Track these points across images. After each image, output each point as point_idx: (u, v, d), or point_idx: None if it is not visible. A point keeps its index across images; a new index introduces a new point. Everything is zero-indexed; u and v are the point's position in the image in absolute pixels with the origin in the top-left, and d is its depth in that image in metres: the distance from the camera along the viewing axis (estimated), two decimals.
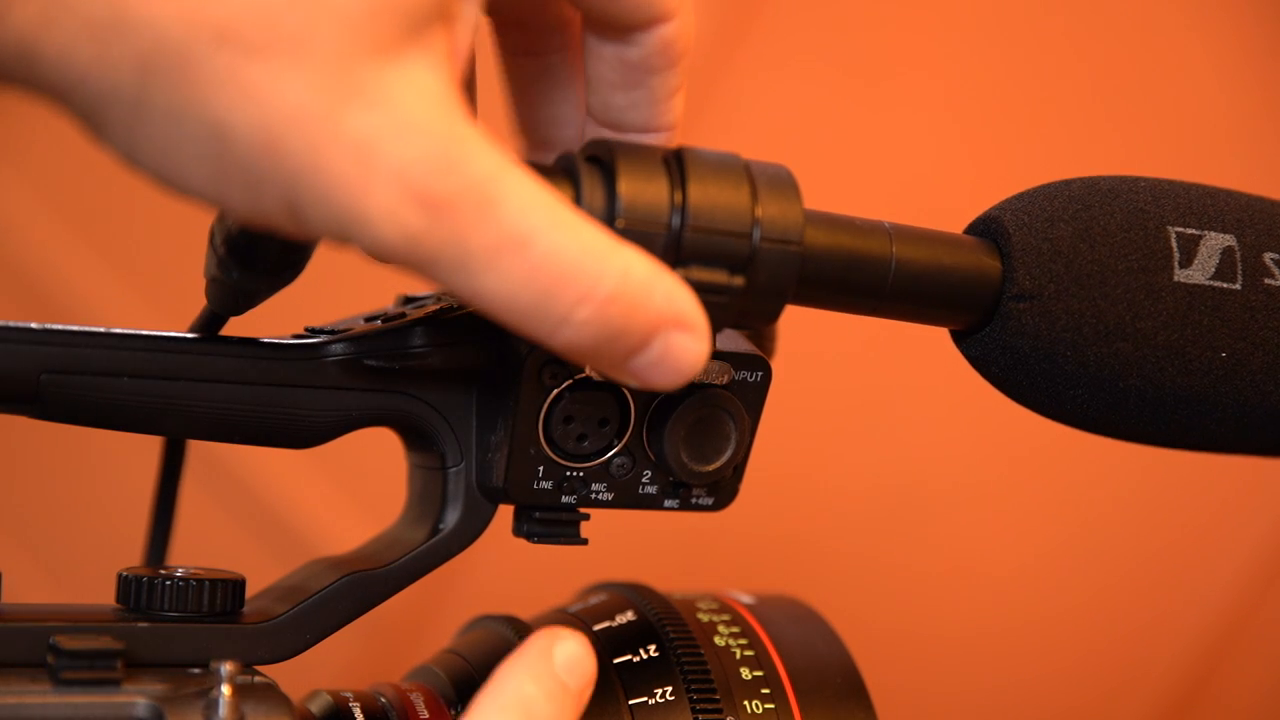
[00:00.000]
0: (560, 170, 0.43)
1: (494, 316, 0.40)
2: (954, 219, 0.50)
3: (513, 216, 0.38)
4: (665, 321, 0.41)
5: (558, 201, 0.39)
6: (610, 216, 0.42)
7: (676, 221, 0.43)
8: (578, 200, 0.42)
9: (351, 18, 0.37)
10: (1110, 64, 1.07)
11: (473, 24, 0.41)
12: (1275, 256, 0.48)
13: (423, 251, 0.38)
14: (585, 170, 0.43)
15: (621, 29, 0.44)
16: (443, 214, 0.38)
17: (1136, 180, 0.49)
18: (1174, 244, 0.47)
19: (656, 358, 0.41)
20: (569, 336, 0.40)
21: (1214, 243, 0.48)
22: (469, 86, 0.44)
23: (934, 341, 0.50)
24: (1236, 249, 0.48)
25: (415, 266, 0.39)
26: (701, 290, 0.43)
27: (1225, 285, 0.47)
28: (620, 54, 0.45)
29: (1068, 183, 0.48)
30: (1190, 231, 0.48)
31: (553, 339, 0.40)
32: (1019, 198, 0.48)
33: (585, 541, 0.49)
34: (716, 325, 0.46)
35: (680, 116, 0.46)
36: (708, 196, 0.43)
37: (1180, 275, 0.47)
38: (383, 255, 0.39)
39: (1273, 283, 0.48)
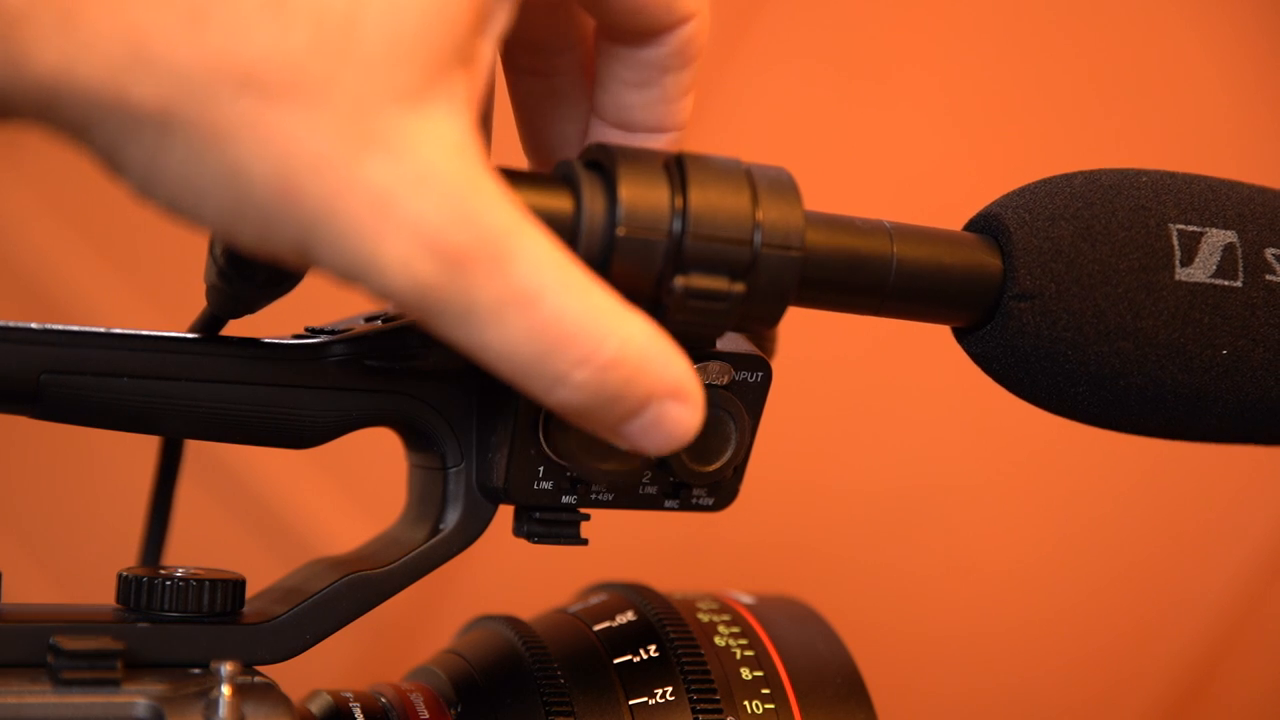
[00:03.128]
0: (560, 177, 0.43)
1: (492, 369, 0.40)
2: (954, 215, 0.50)
3: (524, 273, 0.38)
4: (661, 391, 0.41)
5: (569, 261, 0.40)
6: (611, 223, 0.42)
7: (678, 227, 0.43)
8: (578, 207, 0.42)
9: (374, 65, 0.37)
10: (1110, 61, 1.07)
11: (490, 63, 0.41)
12: (1276, 252, 0.48)
13: (431, 301, 0.38)
14: (585, 177, 0.43)
15: (643, 33, 0.44)
16: (455, 266, 0.38)
17: (1138, 174, 0.48)
18: (1175, 242, 0.47)
19: (649, 424, 0.41)
20: (564, 396, 0.40)
21: (1215, 240, 0.48)
22: (486, 121, 0.44)
23: (934, 341, 0.50)
24: (1238, 245, 0.48)
25: (420, 314, 0.39)
26: (702, 297, 0.43)
27: (1226, 283, 0.47)
28: (636, 54, 0.44)
29: (1069, 178, 0.48)
30: (1191, 229, 0.48)
31: (548, 396, 0.40)
32: (1019, 193, 0.48)
33: (585, 542, 0.49)
34: (717, 330, 0.46)
35: (689, 117, 0.46)
36: (709, 202, 0.43)
37: (1181, 274, 0.47)
38: (390, 299, 0.39)
39: (1273, 279, 0.48)
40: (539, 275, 0.39)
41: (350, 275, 0.38)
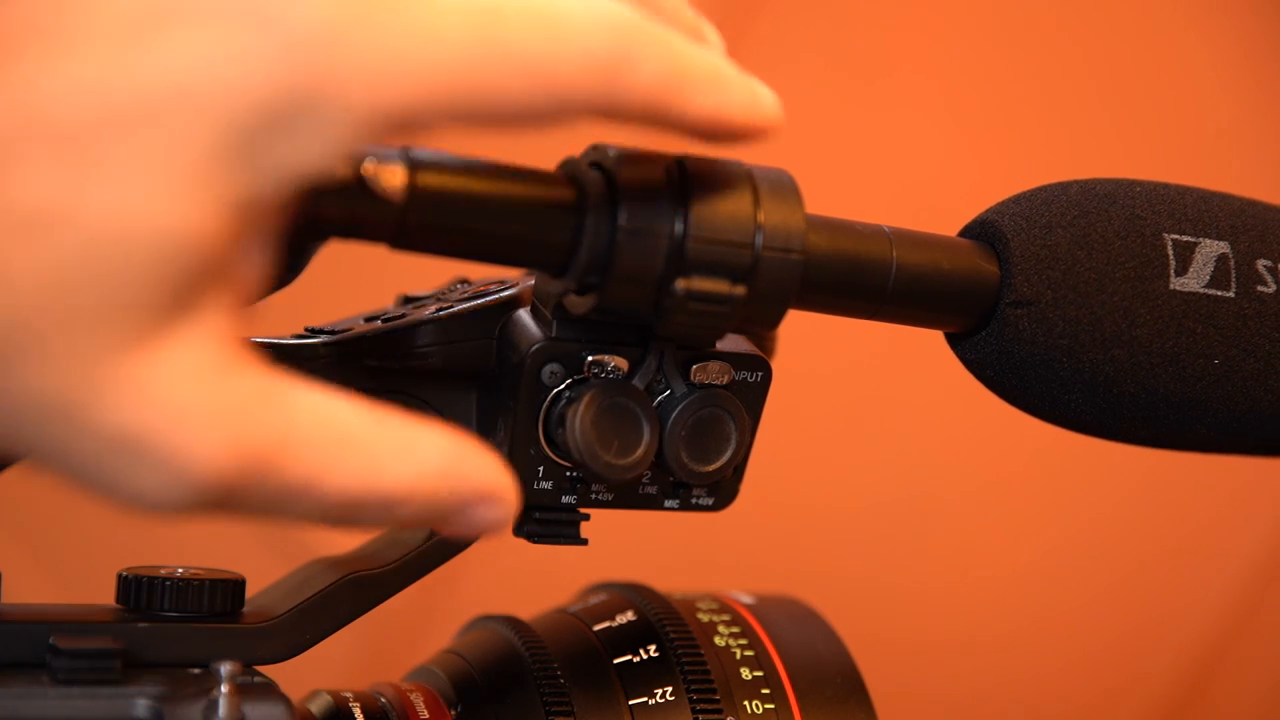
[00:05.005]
0: (564, 177, 0.43)
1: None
2: (950, 217, 0.50)
3: (296, 469, 0.37)
4: (465, 502, 0.40)
5: (347, 418, 0.39)
6: (613, 224, 0.42)
7: (679, 230, 0.43)
8: (581, 206, 0.42)
9: (95, 322, 0.35)
10: (1109, 64, 1.07)
11: (264, 249, 0.38)
12: (1267, 263, 0.49)
13: (210, 512, 0.37)
14: (589, 177, 0.43)
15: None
16: (220, 491, 0.37)
17: (1133, 184, 0.49)
18: (1170, 251, 0.48)
19: (462, 526, 0.41)
20: (367, 527, 0.41)
21: (1209, 250, 0.48)
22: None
23: (934, 343, 0.50)
24: (1230, 256, 0.48)
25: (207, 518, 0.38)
26: (703, 299, 0.43)
27: (1219, 293, 0.48)
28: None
29: (1064, 186, 0.49)
30: (1186, 239, 0.48)
31: (352, 530, 0.41)
32: (1016, 201, 0.48)
33: (585, 541, 0.49)
34: (718, 333, 0.46)
35: None
36: (710, 205, 0.43)
37: (1176, 283, 0.48)
38: (165, 519, 0.38)
39: (1265, 289, 0.48)
40: (313, 460, 0.38)
41: (113, 501, 0.37)
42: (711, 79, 0.41)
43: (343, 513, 0.39)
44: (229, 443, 0.36)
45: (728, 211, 0.43)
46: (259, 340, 0.47)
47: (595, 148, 0.44)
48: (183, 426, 0.36)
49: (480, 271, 0.46)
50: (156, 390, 0.36)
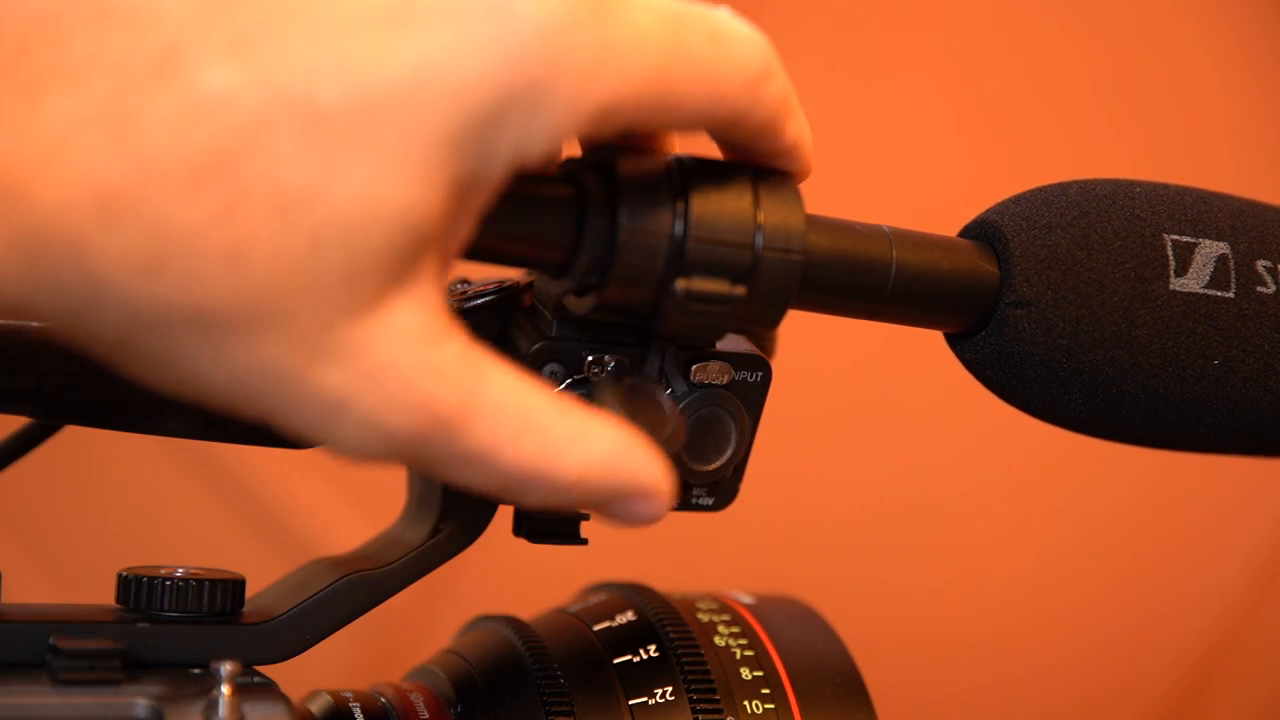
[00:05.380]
0: (565, 177, 0.43)
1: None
2: (952, 219, 0.50)
3: (478, 436, 0.40)
4: (625, 496, 0.42)
5: (530, 401, 0.41)
6: (613, 225, 0.42)
7: (679, 230, 0.43)
8: (582, 206, 0.42)
9: (327, 298, 0.37)
10: (1109, 64, 1.07)
11: (468, 225, 0.40)
12: (1267, 264, 0.49)
13: (395, 462, 0.40)
14: (589, 179, 0.43)
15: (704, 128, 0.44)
16: (408, 445, 0.39)
17: (1132, 185, 0.49)
18: (1170, 252, 0.48)
19: (615, 516, 0.43)
20: (532, 504, 0.42)
21: (1209, 251, 0.48)
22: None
23: (935, 343, 0.51)
24: (1230, 257, 0.48)
25: (381, 465, 0.41)
26: (703, 300, 0.43)
27: (1219, 294, 0.48)
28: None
29: (1064, 187, 0.49)
30: (1186, 239, 0.48)
31: (518, 504, 0.44)
32: (1015, 201, 0.48)
33: (585, 541, 0.49)
34: (717, 333, 0.46)
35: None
36: (710, 205, 0.43)
37: (1176, 284, 0.48)
38: (360, 464, 0.40)
39: (1264, 290, 0.48)
40: (494, 433, 0.40)
41: (314, 444, 0.40)
42: (798, 109, 0.44)
43: (511, 486, 0.41)
44: (425, 402, 0.39)
45: (728, 211, 0.43)
46: None
47: (596, 148, 0.44)
48: (388, 386, 0.38)
49: (480, 271, 0.46)
50: (373, 354, 0.38)
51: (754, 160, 0.44)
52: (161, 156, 0.36)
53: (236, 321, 0.37)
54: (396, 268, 0.38)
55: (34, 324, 0.44)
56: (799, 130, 0.44)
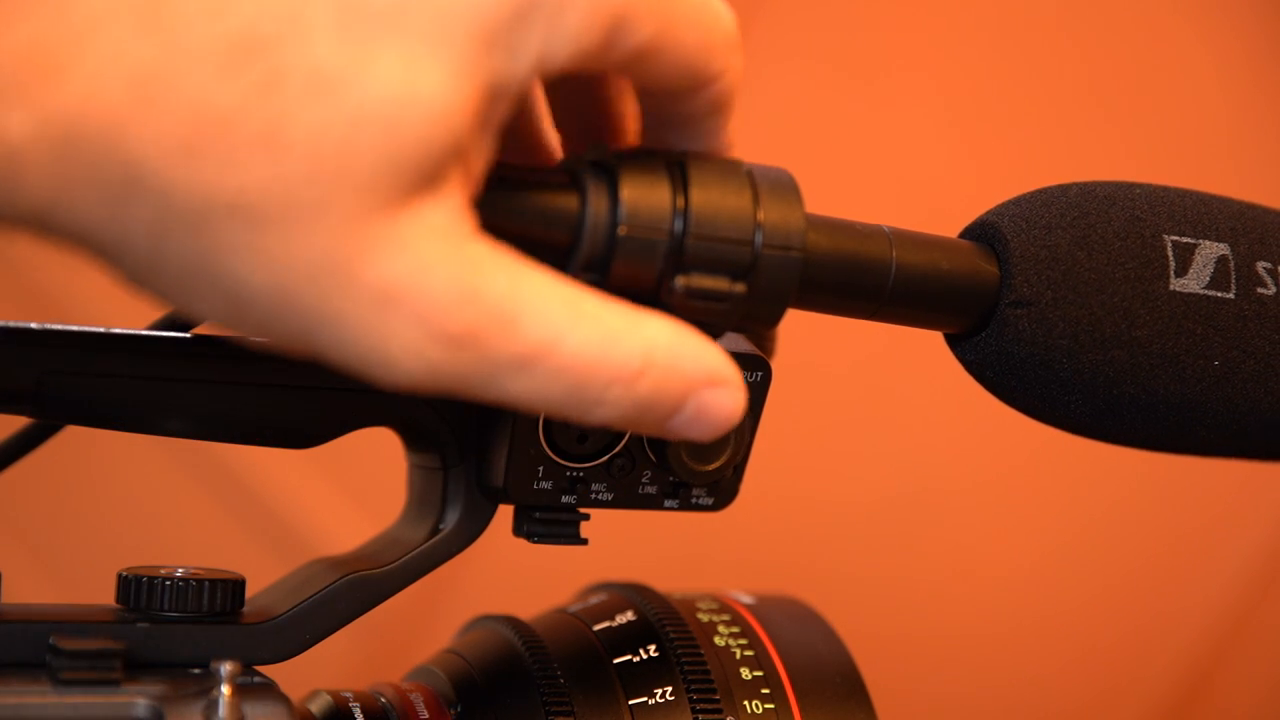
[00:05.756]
0: (565, 175, 0.43)
1: (527, 411, 0.41)
2: (952, 219, 0.50)
3: (534, 327, 0.39)
4: (696, 384, 0.41)
5: (574, 292, 0.40)
6: (613, 222, 0.42)
7: (679, 227, 0.43)
8: (582, 205, 0.42)
9: (366, 184, 0.37)
10: (1109, 65, 1.07)
11: (491, 144, 0.40)
12: (1267, 265, 0.49)
13: (447, 378, 0.39)
14: (589, 176, 0.43)
15: (677, 94, 0.43)
16: (466, 343, 0.38)
17: (1132, 186, 0.49)
18: (1170, 253, 0.48)
19: (692, 418, 0.42)
20: (603, 415, 0.41)
21: (1209, 252, 0.48)
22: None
23: (935, 343, 0.50)
24: (1230, 258, 0.48)
25: (440, 391, 0.39)
26: (703, 297, 0.43)
27: (1219, 294, 0.48)
28: (669, 107, 0.44)
29: (1064, 188, 0.49)
30: (1186, 240, 0.48)
31: (587, 419, 0.41)
32: (1015, 202, 0.48)
33: (585, 541, 0.49)
34: (717, 330, 0.46)
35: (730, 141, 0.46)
36: (710, 203, 0.43)
37: (1176, 284, 0.47)
38: (405, 388, 0.39)
39: (1265, 291, 0.48)
40: (548, 323, 0.39)
41: (358, 369, 0.39)
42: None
43: (577, 386, 0.40)
44: (473, 295, 0.38)
45: (727, 209, 0.43)
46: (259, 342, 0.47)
47: (595, 146, 0.44)
48: (435, 280, 0.38)
49: None
50: (414, 247, 0.38)
51: (678, 143, 0.44)
52: (196, 37, 0.36)
53: (276, 211, 0.37)
54: (431, 164, 0.38)
55: (34, 324, 0.44)
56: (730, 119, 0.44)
